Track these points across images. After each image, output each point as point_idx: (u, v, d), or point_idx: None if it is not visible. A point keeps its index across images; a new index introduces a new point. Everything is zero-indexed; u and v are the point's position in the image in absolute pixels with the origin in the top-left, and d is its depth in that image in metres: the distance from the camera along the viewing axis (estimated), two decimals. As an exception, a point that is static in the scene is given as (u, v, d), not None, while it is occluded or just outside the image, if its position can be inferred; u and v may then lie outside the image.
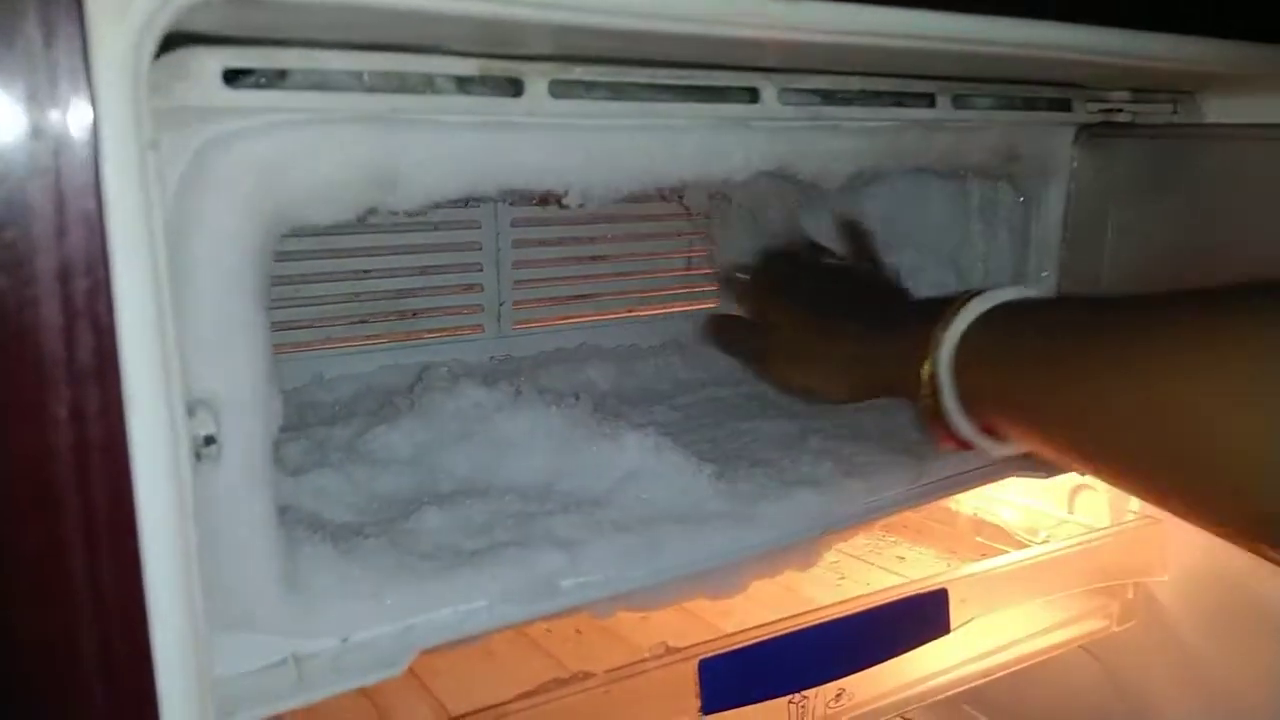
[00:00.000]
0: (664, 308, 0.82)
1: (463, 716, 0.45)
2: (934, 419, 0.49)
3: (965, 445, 0.49)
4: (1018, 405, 0.45)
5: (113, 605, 0.29)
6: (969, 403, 0.47)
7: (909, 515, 0.79)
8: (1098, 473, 0.44)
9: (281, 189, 0.35)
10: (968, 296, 0.47)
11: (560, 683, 0.45)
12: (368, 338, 0.69)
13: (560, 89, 0.38)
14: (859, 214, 0.73)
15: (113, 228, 0.27)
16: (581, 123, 0.40)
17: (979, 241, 0.66)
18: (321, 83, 0.33)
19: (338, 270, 0.67)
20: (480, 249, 0.73)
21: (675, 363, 0.75)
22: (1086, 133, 0.58)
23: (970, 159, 0.55)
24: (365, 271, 0.68)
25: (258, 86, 0.32)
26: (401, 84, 0.35)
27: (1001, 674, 0.63)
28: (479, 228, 0.72)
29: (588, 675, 0.46)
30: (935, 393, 0.47)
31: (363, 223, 0.66)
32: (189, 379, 0.34)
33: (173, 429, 0.30)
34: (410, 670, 0.57)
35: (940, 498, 0.59)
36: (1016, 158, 0.57)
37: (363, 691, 0.55)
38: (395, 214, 0.67)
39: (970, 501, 0.79)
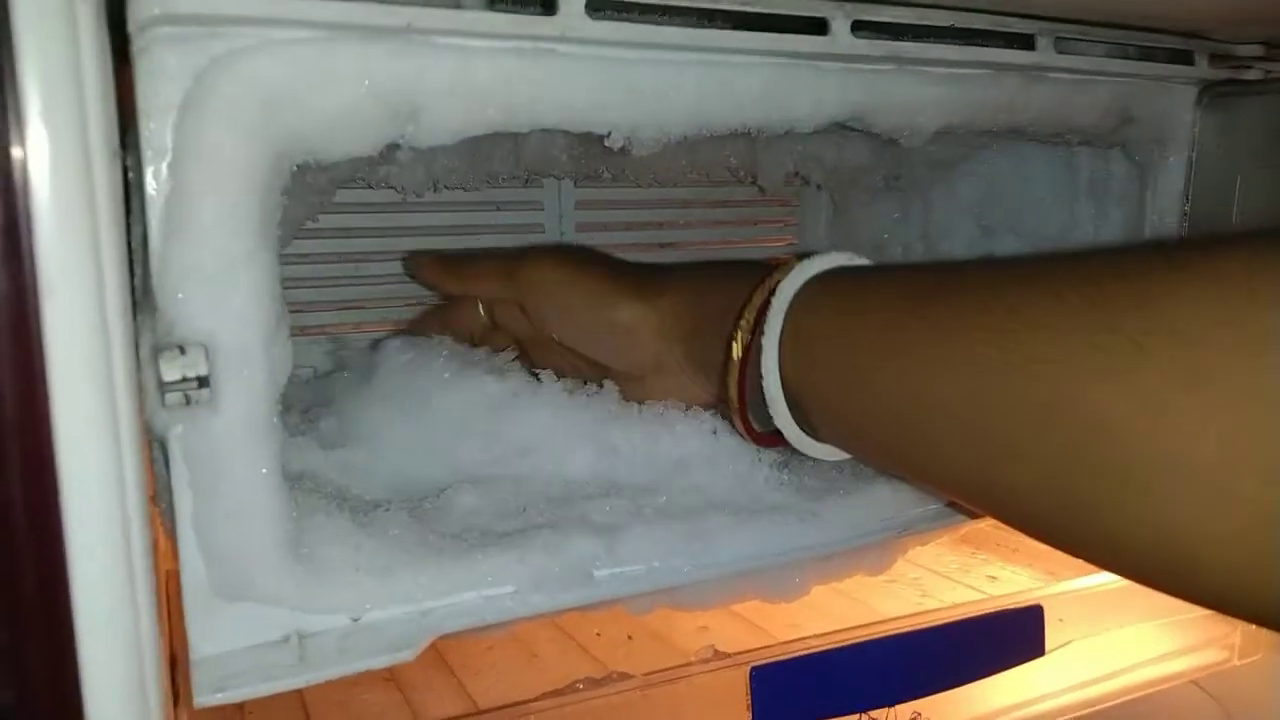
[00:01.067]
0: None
1: (487, 711, 0.41)
2: (737, 401, 0.42)
3: (768, 439, 0.42)
4: (844, 392, 0.37)
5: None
6: (796, 385, 0.39)
7: (1002, 530, 0.73)
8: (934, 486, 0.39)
9: (290, 114, 0.32)
10: (796, 259, 0.41)
11: (594, 683, 0.41)
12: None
13: (599, 7, 0.34)
14: (952, 199, 0.68)
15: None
16: (624, 54, 0.36)
17: (1088, 223, 0.60)
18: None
19: (396, 249, 0.65)
20: (544, 231, 0.69)
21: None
22: (1211, 92, 0.51)
23: (1076, 120, 0.49)
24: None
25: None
26: (417, -3, 0.31)
27: (1102, 706, 0.56)
28: (542, 209, 0.69)
29: (624, 676, 0.41)
30: (745, 363, 0.40)
31: (422, 199, 0.64)
32: (184, 316, 0.31)
33: (108, 392, 0.27)
34: (448, 667, 0.54)
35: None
36: (1130, 120, 0.51)
37: (395, 683, 0.51)
38: (455, 190, 0.65)
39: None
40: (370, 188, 0.59)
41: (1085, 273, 0.30)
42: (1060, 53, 0.44)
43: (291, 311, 0.60)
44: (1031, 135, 0.53)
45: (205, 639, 0.34)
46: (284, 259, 0.59)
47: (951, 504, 0.48)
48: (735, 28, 0.37)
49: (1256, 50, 0.50)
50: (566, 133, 0.44)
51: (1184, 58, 0.49)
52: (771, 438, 0.43)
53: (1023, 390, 0.30)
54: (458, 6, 0.31)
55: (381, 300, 0.65)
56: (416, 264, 0.58)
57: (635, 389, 0.48)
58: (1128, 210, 0.57)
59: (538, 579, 0.39)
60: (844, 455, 0.42)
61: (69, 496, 0.27)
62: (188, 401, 0.31)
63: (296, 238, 0.61)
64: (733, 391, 0.42)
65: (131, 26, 0.29)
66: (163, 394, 0.30)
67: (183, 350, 0.30)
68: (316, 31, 0.31)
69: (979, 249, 0.65)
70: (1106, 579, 0.54)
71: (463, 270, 0.55)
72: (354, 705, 0.51)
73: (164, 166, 0.31)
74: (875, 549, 0.48)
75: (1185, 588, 0.28)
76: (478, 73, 0.34)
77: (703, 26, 0.36)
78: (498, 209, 0.68)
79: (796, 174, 0.71)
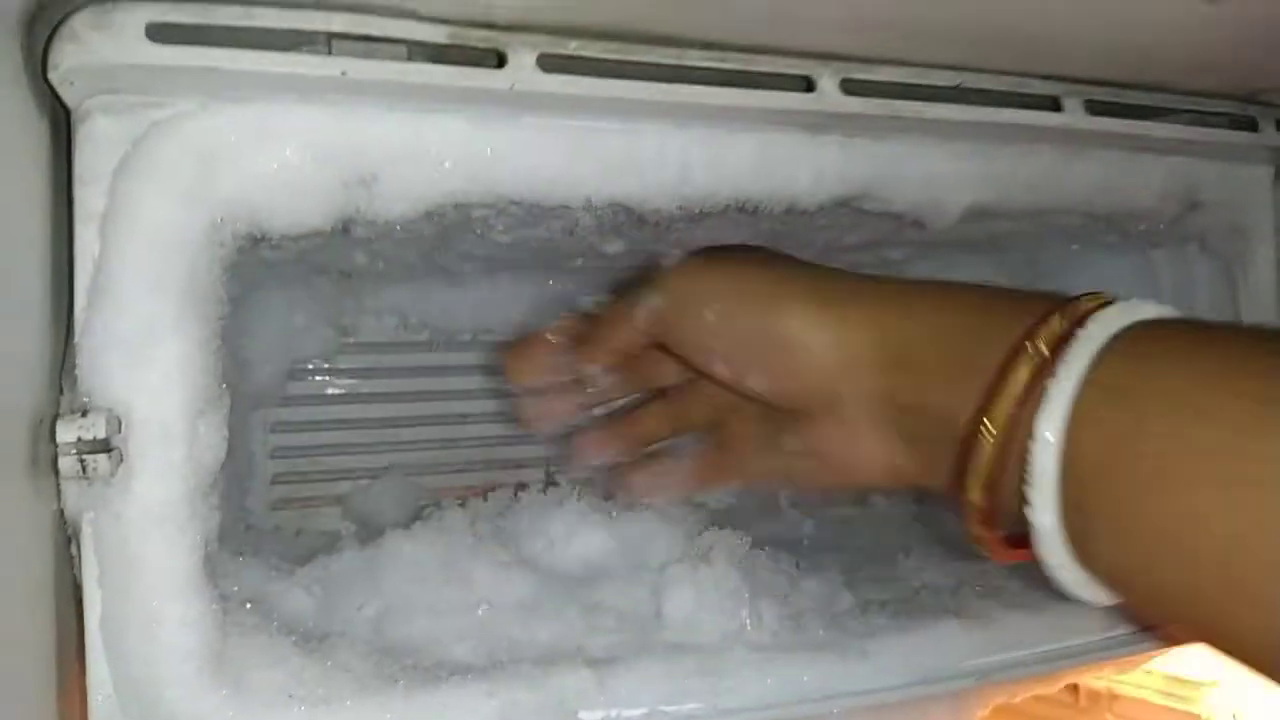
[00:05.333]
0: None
1: None
2: (989, 511, 0.29)
3: (1008, 552, 0.29)
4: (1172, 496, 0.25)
5: None
6: (1086, 471, 0.26)
7: (1058, 706, 0.61)
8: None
9: (227, 176, 0.31)
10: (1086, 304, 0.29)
11: None
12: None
13: (553, 64, 0.32)
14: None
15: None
16: (593, 124, 0.34)
17: (1178, 337, 0.53)
18: (262, 41, 0.29)
19: (434, 414, 0.63)
20: (590, 392, 0.66)
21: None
22: (1292, 168, 0.46)
23: (1134, 203, 0.45)
24: (463, 416, 0.63)
25: (186, 43, 0.28)
26: (356, 50, 0.30)
27: None
28: (588, 369, 0.67)
29: None
30: (1005, 465, 0.28)
31: (448, 360, 0.63)
32: (99, 385, 0.29)
33: None
34: None
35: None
36: (1197, 204, 0.46)
37: None
38: (493, 346, 0.64)
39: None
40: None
41: None
42: (1094, 114, 0.40)
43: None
44: (1091, 229, 0.48)
45: (109, 773, 0.29)
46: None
47: (1047, 651, 0.40)
48: (709, 83, 0.35)
49: (1334, 117, 0.45)
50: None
51: (1248, 125, 0.44)
52: (1015, 548, 0.30)
53: None
54: (391, 55, 0.30)
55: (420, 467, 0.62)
56: (515, 356, 0.45)
57: (797, 438, 0.36)
58: (1219, 315, 0.50)
59: (508, 717, 0.33)
60: (1106, 602, 0.29)
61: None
62: (84, 470, 0.28)
63: (334, 401, 0.61)
64: (982, 466, 0.28)
65: (63, 92, 0.29)
66: (58, 460, 0.27)
67: (84, 414, 0.28)
68: (255, 85, 0.30)
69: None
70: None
71: (582, 337, 0.42)
72: None
73: (94, 230, 0.30)
74: (946, 701, 0.39)
75: None
76: (429, 137, 0.32)
77: (673, 81, 0.34)
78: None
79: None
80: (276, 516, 0.59)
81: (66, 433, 0.27)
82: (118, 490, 0.29)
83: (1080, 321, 0.29)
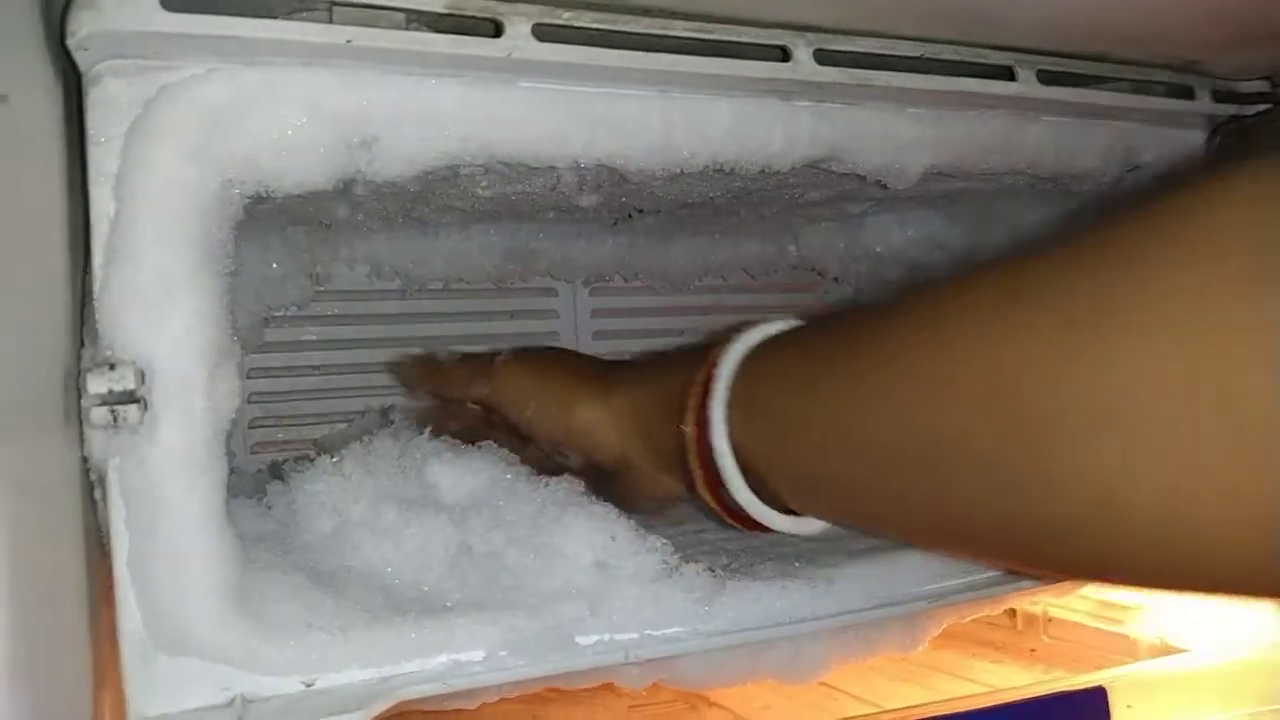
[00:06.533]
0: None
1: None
2: (705, 480, 0.38)
3: (753, 525, 0.39)
4: (797, 449, 0.35)
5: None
6: (751, 456, 0.37)
7: (1081, 644, 0.66)
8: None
9: (236, 138, 0.32)
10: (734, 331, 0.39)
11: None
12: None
13: (547, 32, 0.34)
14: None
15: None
16: (582, 88, 0.36)
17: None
18: (264, 8, 0.30)
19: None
20: (559, 339, 0.69)
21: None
22: (1223, 131, 0.49)
23: (1078, 164, 0.48)
24: (437, 363, 0.65)
25: (199, 10, 0.30)
26: (356, 17, 0.32)
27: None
28: (558, 317, 0.69)
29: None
30: (706, 451, 0.38)
31: (435, 311, 0.65)
32: (120, 339, 0.30)
33: None
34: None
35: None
36: (1137, 166, 0.49)
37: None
38: (469, 297, 0.66)
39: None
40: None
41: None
42: (1045, 84, 0.43)
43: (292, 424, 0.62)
44: (1039, 187, 0.51)
45: (144, 698, 0.32)
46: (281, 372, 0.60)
47: (994, 576, 0.44)
48: (691, 52, 0.37)
49: (1260, 86, 0.49)
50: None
51: (1184, 93, 0.47)
52: (755, 522, 0.39)
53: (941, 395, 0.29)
54: (391, 23, 0.32)
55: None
56: (401, 367, 0.58)
57: (612, 489, 0.46)
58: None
59: (512, 642, 0.35)
60: (817, 527, 0.39)
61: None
62: (115, 420, 0.29)
63: (309, 348, 0.62)
64: (696, 471, 0.39)
65: (77, 56, 0.30)
66: (90, 411, 0.29)
67: (112, 367, 0.29)
68: (261, 50, 0.31)
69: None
70: (1180, 663, 0.48)
71: (436, 372, 0.55)
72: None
73: (108, 190, 0.31)
74: (902, 622, 0.43)
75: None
76: (428, 100, 0.34)
77: (658, 51, 0.36)
78: (511, 317, 0.68)
79: (812, 269, 0.70)
80: (256, 460, 0.61)
81: (98, 385, 0.29)
82: (144, 438, 0.31)
83: (712, 371, 0.38)
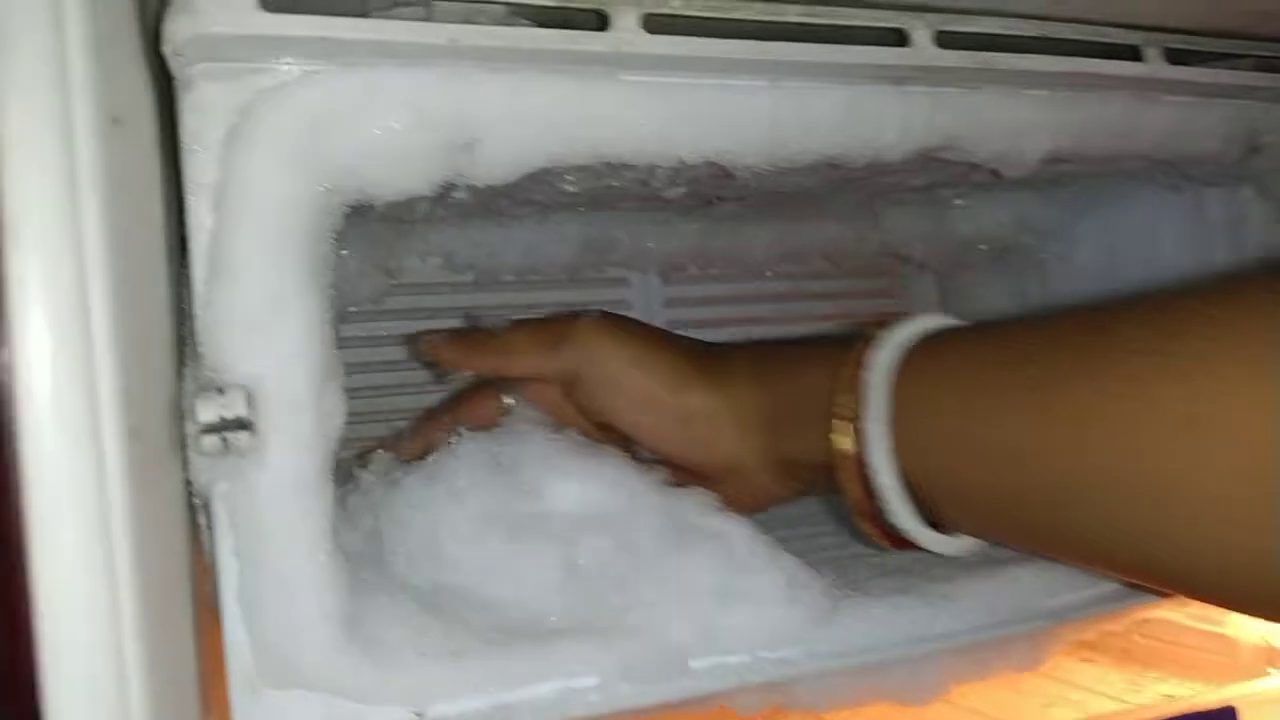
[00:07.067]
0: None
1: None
2: (867, 503, 0.35)
3: (904, 544, 0.36)
4: (979, 469, 0.33)
5: None
6: (918, 474, 0.34)
7: (1177, 643, 0.63)
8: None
9: (338, 146, 0.30)
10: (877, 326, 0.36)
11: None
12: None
13: (657, 23, 0.32)
14: (1071, 269, 0.63)
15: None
16: (687, 79, 0.34)
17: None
18: (360, 7, 0.29)
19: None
20: (632, 331, 0.67)
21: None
22: (1355, 108, 0.46)
23: (1198, 147, 0.45)
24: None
25: (297, 11, 0.28)
26: (456, 12, 0.30)
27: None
28: (630, 308, 0.67)
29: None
30: (860, 465, 0.35)
31: (502, 304, 0.63)
32: (226, 361, 0.29)
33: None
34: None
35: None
36: (1258, 148, 0.46)
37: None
38: (539, 284, 0.64)
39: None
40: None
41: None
42: (1173, 63, 0.40)
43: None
44: (1151, 170, 0.48)
45: (252, 734, 0.31)
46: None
47: (1118, 590, 0.41)
48: (804, 39, 0.34)
49: (1401, 58, 0.45)
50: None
51: (1318, 69, 0.44)
52: (908, 542, 0.37)
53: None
54: (496, 18, 0.30)
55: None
56: (430, 343, 0.45)
57: (708, 490, 0.41)
58: (1271, 257, 0.51)
59: (625, 668, 0.34)
60: (972, 546, 0.37)
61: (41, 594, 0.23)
62: (226, 447, 0.28)
63: (383, 343, 0.61)
64: (857, 491, 0.36)
65: (172, 62, 0.29)
66: (199, 439, 0.28)
67: (221, 391, 0.28)
68: (360, 60, 0.30)
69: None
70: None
71: (490, 345, 0.43)
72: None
73: (207, 204, 0.29)
74: (1023, 641, 0.41)
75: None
76: (531, 98, 0.32)
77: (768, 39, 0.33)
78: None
79: (895, 254, 0.67)
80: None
81: (207, 412, 0.28)
82: (252, 463, 0.29)
83: (861, 375, 0.35)
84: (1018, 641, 0.40)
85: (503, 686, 0.33)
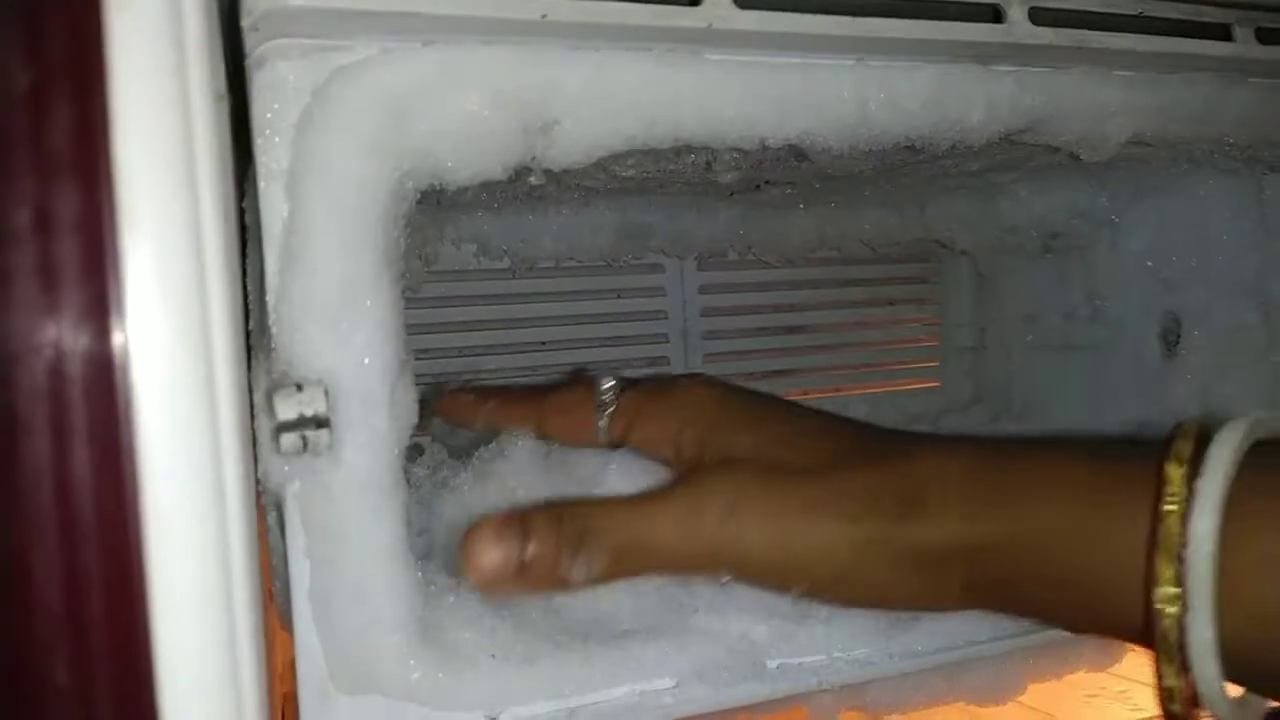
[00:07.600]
0: (877, 386, 0.71)
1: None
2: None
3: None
4: None
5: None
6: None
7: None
8: None
9: (415, 128, 0.29)
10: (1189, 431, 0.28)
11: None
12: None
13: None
14: (1118, 255, 0.61)
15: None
16: (774, 58, 0.32)
17: (1287, 262, 0.52)
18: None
19: (514, 342, 0.62)
20: (666, 318, 0.65)
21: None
22: None
23: (1275, 131, 0.43)
24: (542, 343, 0.62)
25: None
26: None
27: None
28: (664, 295, 0.66)
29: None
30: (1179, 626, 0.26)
31: (536, 291, 0.62)
32: (301, 354, 0.27)
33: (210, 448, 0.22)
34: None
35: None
36: (1339, 131, 0.45)
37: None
38: (574, 270, 0.62)
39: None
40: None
41: None
42: (1263, 43, 0.38)
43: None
44: (1214, 154, 0.47)
45: (323, 741, 0.29)
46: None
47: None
48: (894, 16, 0.33)
49: None
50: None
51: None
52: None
53: None
54: None
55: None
56: (455, 404, 0.42)
57: None
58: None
59: (701, 670, 0.33)
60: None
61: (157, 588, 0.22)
62: (305, 446, 0.26)
63: (415, 331, 0.59)
64: (1180, 686, 0.27)
65: (248, 37, 0.27)
66: (278, 438, 0.26)
67: (300, 388, 0.27)
68: (439, 36, 0.28)
69: (1160, 305, 0.58)
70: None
71: (529, 404, 0.39)
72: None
73: (280, 189, 0.28)
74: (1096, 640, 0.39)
75: None
76: (614, 78, 0.30)
77: (860, 15, 0.32)
78: (619, 296, 0.64)
79: (936, 241, 0.66)
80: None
81: (287, 409, 0.26)
82: (327, 461, 0.28)
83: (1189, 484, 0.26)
84: (1092, 639, 0.39)
85: (577, 690, 0.32)
